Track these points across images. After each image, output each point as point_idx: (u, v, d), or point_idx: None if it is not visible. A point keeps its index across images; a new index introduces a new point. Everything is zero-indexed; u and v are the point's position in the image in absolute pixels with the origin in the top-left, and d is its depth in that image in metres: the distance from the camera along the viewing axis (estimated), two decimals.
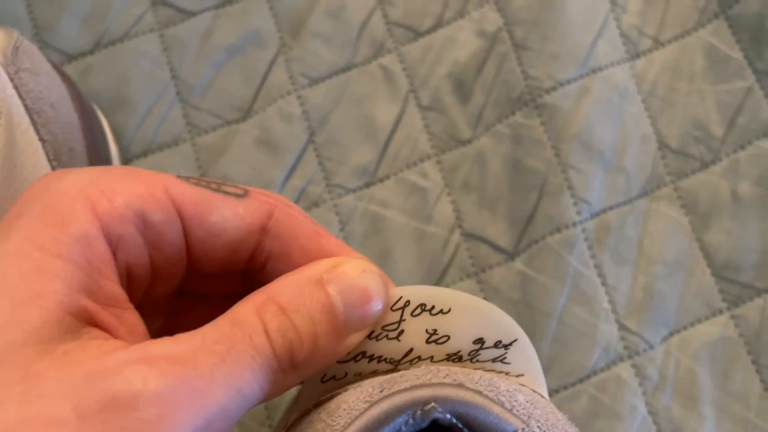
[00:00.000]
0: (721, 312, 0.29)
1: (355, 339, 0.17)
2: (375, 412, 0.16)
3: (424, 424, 0.16)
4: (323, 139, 0.30)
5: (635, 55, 0.31)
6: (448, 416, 0.16)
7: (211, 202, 0.17)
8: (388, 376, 0.17)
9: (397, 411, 0.16)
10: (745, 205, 0.29)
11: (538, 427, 0.16)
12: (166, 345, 0.15)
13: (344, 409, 0.17)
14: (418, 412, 0.16)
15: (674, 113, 0.30)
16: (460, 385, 0.16)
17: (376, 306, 0.17)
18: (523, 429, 0.16)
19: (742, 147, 0.30)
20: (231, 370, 0.15)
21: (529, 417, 0.16)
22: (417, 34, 0.31)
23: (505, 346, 0.19)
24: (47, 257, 0.15)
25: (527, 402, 0.17)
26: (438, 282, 0.29)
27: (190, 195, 0.17)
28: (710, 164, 0.30)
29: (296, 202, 0.30)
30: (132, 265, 0.17)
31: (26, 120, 0.22)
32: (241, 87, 0.31)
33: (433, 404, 0.16)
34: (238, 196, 0.18)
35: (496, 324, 0.18)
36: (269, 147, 0.30)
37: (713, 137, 0.30)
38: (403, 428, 0.16)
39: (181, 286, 0.19)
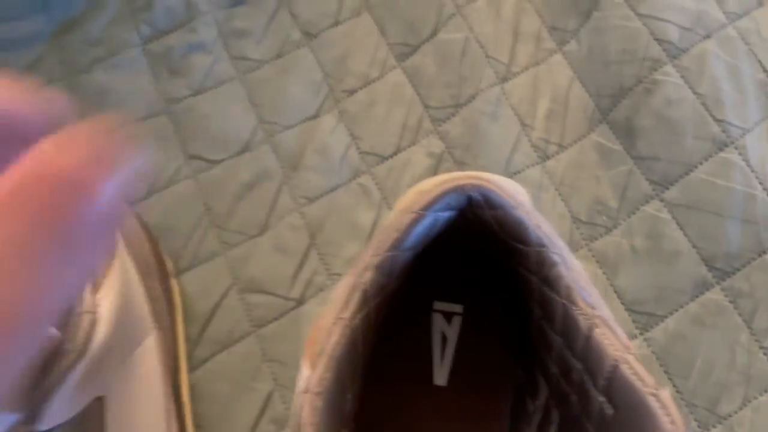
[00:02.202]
0: (635, 336, 0.36)
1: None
2: (434, 193, 0.22)
3: (463, 200, 0.22)
4: (321, 241, 0.38)
5: (545, 158, 0.39)
6: (477, 195, 0.22)
7: None
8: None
9: (449, 191, 0.22)
10: (641, 255, 0.37)
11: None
12: None
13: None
14: (460, 189, 0.22)
15: (580, 195, 0.38)
16: (489, 181, 0.23)
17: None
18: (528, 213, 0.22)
19: (633, 213, 0.37)
20: None
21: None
22: (383, 159, 0.40)
23: None
24: None
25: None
26: None
27: None
28: (612, 229, 0.37)
29: (305, 290, 0.37)
30: None
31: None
32: (257, 210, 0.39)
33: (470, 183, 0.22)
34: None
35: None
36: (282, 251, 0.38)
37: (611, 209, 0.38)
38: (451, 203, 0.22)
39: None
